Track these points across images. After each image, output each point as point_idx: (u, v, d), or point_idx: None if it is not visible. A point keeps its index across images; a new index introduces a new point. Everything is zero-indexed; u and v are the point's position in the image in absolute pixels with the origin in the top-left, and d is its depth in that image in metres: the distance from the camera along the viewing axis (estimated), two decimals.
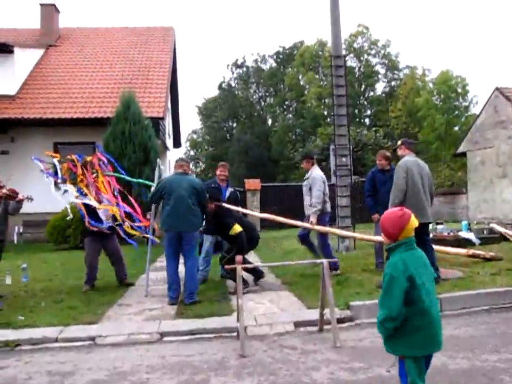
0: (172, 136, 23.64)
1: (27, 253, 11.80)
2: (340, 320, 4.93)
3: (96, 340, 4.75)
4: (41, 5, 20.28)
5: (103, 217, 7.10)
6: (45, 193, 7.88)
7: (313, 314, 5.03)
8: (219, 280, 7.40)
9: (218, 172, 7.61)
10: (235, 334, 4.68)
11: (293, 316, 5.20)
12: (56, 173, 7.11)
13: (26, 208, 10.75)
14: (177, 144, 26.07)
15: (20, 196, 6.75)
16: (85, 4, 72.92)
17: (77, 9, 71.13)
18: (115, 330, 4.95)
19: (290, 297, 6.16)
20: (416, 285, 2.49)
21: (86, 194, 7.04)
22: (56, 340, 4.75)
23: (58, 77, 17.45)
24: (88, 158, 7.22)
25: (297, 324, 4.99)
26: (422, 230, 5.54)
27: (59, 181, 7.04)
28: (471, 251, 7.69)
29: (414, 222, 2.60)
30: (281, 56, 46.24)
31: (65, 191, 7.12)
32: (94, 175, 7.18)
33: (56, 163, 7.09)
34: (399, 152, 6.41)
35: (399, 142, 6.55)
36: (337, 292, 5.73)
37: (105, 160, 7.49)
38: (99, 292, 6.83)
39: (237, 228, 6.39)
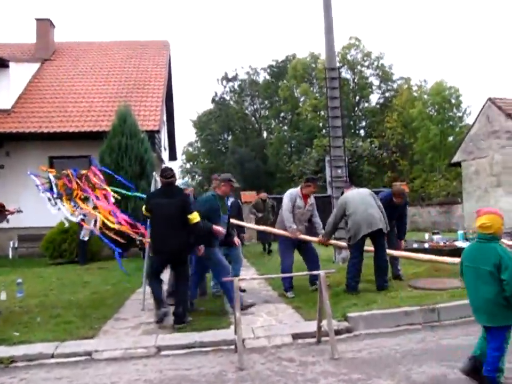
0: (167, 149, 23.69)
1: (22, 267, 11.71)
2: (338, 332, 4.91)
3: (93, 354, 4.70)
4: (37, 19, 20.39)
5: (83, 232, 7.15)
6: (40, 207, 7.86)
7: (311, 326, 5.00)
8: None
9: (213, 185, 7.58)
10: (233, 347, 4.65)
11: (290, 328, 5.17)
12: (51, 188, 7.07)
13: (22, 222, 10.72)
14: (173, 157, 26.11)
15: (11, 209, 6.74)
16: (80, 18, 73.41)
17: (72, 24, 71.60)
18: (112, 344, 4.90)
19: (287, 309, 6.13)
20: None
21: (82, 208, 7.02)
22: (52, 356, 4.69)
23: (53, 91, 17.49)
24: (83, 172, 7.20)
25: (295, 336, 4.95)
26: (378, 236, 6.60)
27: (55, 196, 7.00)
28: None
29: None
30: (274, 69, 46.56)
31: (59, 208, 7.06)
32: (90, 187, 7.16)
33: (52, 178, 7.06)
34: (345, 191, 7.32)
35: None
36: (335, 303, 5.71)
37: (100, 175, 7.46)
38: (95, 306, 6.77)
39: (196, 217, 5.69)
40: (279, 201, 7.97)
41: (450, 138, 32.14)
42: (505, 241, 10.44)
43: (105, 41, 22.83)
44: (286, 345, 4.79)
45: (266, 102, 47.07)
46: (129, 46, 21.68)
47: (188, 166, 50.51)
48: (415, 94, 37.37)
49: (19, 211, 6.91)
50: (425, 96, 35.02)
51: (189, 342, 4.88)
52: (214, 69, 75.32)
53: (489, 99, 17.56)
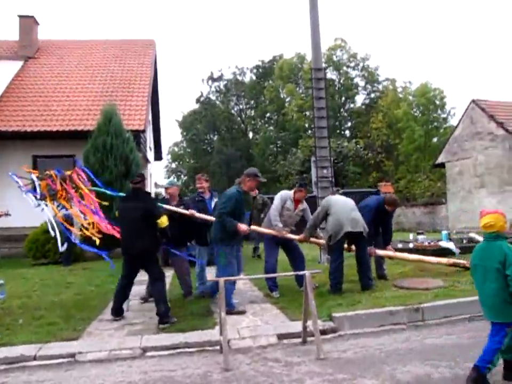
0: (153, 149, 23.55)
1: (5, 268, 11.54)
2: (323, 332, 4.92)
3: (77, 356, 4.64)
4: (20, 16, 20.06)
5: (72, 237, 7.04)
6: (23, 207, 7.73)
7: (297, 326, 5.01)
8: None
9: (197, 185, 7.54)
10: (218, 347, 4.63)
11: (276, 328, 5.17)
12: (35, 189, 6.95)
13: (4, 222, 10.54)
14: (158, 157, 25.97)
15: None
16: (64, 16, 72.62)
17: (57, 21, 70.80)
18: (96, 346, 4.85)
19: (273, 310, 6.13)
20: None
21: (66, 209, 6.93)
22: (34, 358, 4.62)
23: (37, 89, 17.27)
24: (68, 173, 7.10)
25: (281, 336, 4.96)
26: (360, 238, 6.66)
27: (38, 197, 6.88)
28: (452, 260, 7.78)
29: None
30: (261, 69, 46.52)
31: (43, 209, 6.95)
32: (74, 190, 7.05)
33: (35, 179, 6.93)
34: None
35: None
36: (320, 304, 5.71)
37: (84, 176, 7.35)
38: (79, 307, 6.69)
39: (164, 221, 5.94)
40: (271, 201, 7.91)
41: (435, 139, 32.46)
42: None
43: (90, 39, 22.59)
44: (271, 345, 4.78)
45: (252, 102, 47.00)
46: (114, 44, 21.49)
47: (174, 165, 50.26)
48: (400, 95, 37.67)
49: (7, 214, 6.81)
50: (410, 98, 35.32)
51: (174, 342, 4.85)
52: (200, 68, 75.17)
53: (473, 101, 17.80)
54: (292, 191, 7.32)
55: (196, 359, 4.51)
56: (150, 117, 20.69)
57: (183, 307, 6.39)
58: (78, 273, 10.61)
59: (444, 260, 7.77)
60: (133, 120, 15.64)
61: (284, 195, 7.23)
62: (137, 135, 15.25)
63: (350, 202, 6.95)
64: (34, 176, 6.92)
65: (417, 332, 5.04)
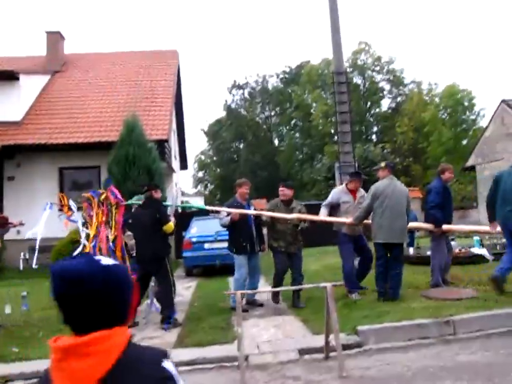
0: (178, 158, 23.63)
1: (31, 279, 11.64)
2: (347, 346, 4.66)
3: None
4: (47, 32, 20.57)
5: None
6: (50, 218, 7.68)
7: (319, 341, 4.77)
8: (222, 305, 7.13)
9: (243, 190, 7.20)
10: (237, 363, 4.44)
11: (297, 343, 4.94)
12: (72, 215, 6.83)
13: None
14: (184, 166, 26.04)
15: (14, 222, 6.66)
16: (89, 30, 74.32)
17: (82, 35, 72.46)
18: None
19: (295, 322, 5.91)
20: None
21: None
22: None
23: (63, 102, 17.55)
24: (103, 196, 6.81)
25: (302, 352, 4.73)
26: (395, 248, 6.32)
27: (80, 223, 6.74)
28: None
29: None
30: (287, 76, 46.39)
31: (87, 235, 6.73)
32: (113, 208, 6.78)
33: (72, 204, 6.82)
34: (381, 174, 6.64)
35: (383, 164, 6.83)
36: (345, 316, 5.46)
37: (117, 192, 7.07)
38: None
39: (170, 227, 6.22)
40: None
41: (464, 142, 31.64)
42: None
43: (114, 52, 22.92)
44: (292, 361, 4.56)
45: (277, 109, 46.89)
46: (137, 56, 21.73)
47: (200, 174, 50.50)
48: (426, 97, 36.93)
49: (21, 224, 6.82)
50: (437, 100, 34.57)
51: (192, 358, 4.69)
52: (225, 77, 75.66)
53: (503, 101, 17.22)
54: (344, 185, 7.28)
55: (214, 375, 4.35)
56: (174, 126, 20.76)
57: (202, 319, 6.24)
58: None
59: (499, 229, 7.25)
60: (157, 130, 15.69)
61: (333, 193, 7.23)
62: (161, 144, 15.28)
63: (400, 201, 6.38)
64: (72, 202, 6.82)
65: (448, 347, 4.68)
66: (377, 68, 41.36)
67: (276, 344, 4.99)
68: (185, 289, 9.46)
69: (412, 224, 6.78)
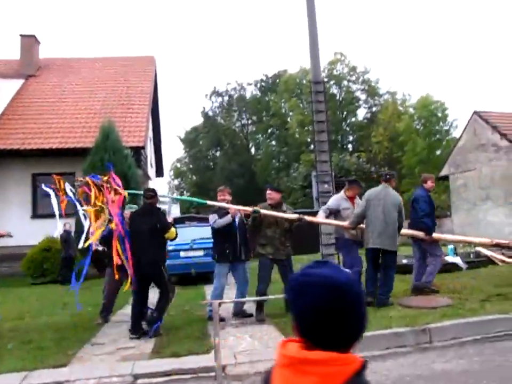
0: (154, 166, 23.43)
1: (2, 288, 11.32)
2: None
3: None
4: (22, 35, 20.19)
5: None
6: (21, 225, 7.52)
7: None
8: (199, 315, 7.04)
9: (219, 198, 7.05)
10: (213, 374, 4.37)
11: (275, 352, 4.88)
12: (70, 200, 6.64)
13: (2, 241, 10.37)
14: (160, 173, 25.83)
15: (1, 232, 6.47)
16: (66, 35, 73.38)
17: (58, 40, 71.46)
18: (85, 373, 4.60)
19: (273, 332, 5.86)
20: None
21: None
22: None
23: (37, 107, 17.23)
24: (104, 178, 6.65)
25: None
26: (383, 256, 6.51)
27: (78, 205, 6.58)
28: (496, 241, 7.57)
29: None
30: (264, 84, 46.56)
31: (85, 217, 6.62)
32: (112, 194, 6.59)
33: (68, 188, 6.62)
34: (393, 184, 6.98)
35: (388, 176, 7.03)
36: None
37: (118, 181, 6.89)
38: (72, 330, 6.44)
39: (172, 233, 6.23)
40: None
41: (438, 152, 32.23)
42: (492, 253, 10.35)
43: (90, 57, 22.63)
44: None
45: (254, 117, 46.99)
46: (114, 62, 21.52)
47: (176, 182, 50.14)
48: (400, 107, 37.55)
49: (9, 235, 6.63)
50: (411, 110, 35.19)
51: (167, 369, 4.60)
52: (202, 85, 75.51)
53: (475, 112, 17.61)
54: (342, 192, 7.38)
55: None
56: (150, 134, 20.60)
57: (179, 329, 6.15)
58: (75, 293, 10.34)
59: (487, 241, 7.64)
60: (133, 137, 15.54)
61: (333, 200, 7.37)
62: (137, 151, 15.14)
63: (389, 210, 6.52)
64: (68, 185, 6.63)
65: (425, 355, 4.73)
66: (353, 78, 41.91)
67: (253, 354, 4.93)
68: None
69: (404, 231, 6.89)
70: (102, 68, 20.87)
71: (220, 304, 4.78)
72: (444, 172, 19.57)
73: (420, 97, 33.27)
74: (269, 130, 45.64)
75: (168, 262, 10.96)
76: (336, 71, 41.45)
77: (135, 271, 6.04)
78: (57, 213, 6.66)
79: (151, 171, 21.62)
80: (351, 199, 7.22)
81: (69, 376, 4.53)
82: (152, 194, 6.34)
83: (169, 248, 11.23)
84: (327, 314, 1.05)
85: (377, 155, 34.09)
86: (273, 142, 44.95)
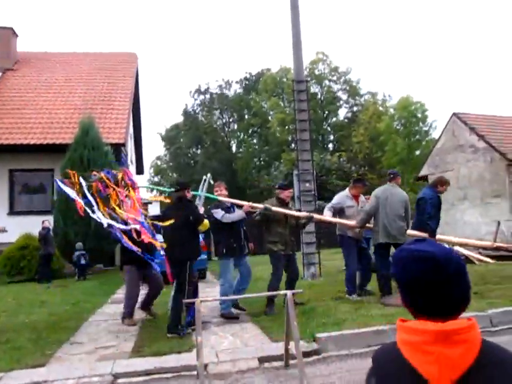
0: (134, 163, 23.22)
1: None
2: (307, 354, 4.66)
3: None
4: None
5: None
6: None
7: (279, 348, 4.74)
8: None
9: (215, 192, 7.04)
10: (195, 372, 4.34)
11: (257, 351, 4.89)
12: (84, 195, 6.33)
13: None
14: (140, 170, 25.61)
15: None
16: (45, 28, 72.13)
17: (37, 33, 70.23)
18: (63, 373, 4.52)
19: (254, 330, 5.85)
20: None
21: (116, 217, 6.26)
22: None
23: (15, 102, 16.90)
24: (120, 175, 6.55)
25: (262, 360, 4.68)
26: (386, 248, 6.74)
27: (94, 205, 6.24)
28: (496, 244, 7.70)
29: None
30: (247, 82, 46.48)
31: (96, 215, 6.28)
32: (126, 191, 6.49)
33: (83, 183, 6.38)
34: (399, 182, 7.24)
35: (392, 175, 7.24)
36: (303, 323, 5.47)
37: (131, 176, 6.85)
38: (50, 329, 6.34)
39: (206, 224, 6.07)
40: None
41: (418, 152, 32.63)
42: (469, 253, 10.53)
43: (71, 52, 22.26)
44: (251, 369, 4.50)
45: (236, 115, 46.87)
46: (95, 57, 21.21)
47: (156, 179, 49.74)
48: (381, 108, 37.91)
49: (4, 231, 6.41)
50: (392, 111, 35.54)
51: (148, 368, 4.54)
52: (185, 82, 75.00)
53: (454, 114, 17.87)
54: (347, 190, 7.57)
55: None
56: (131, 131, 20.40)
57: (159, 327, 6.10)
58: (53, 291, 10.22)
59: (488, 243, 7.80)
60: (113, 134, 15.37)
61: (338, 197, 7.53)
62: (118, 148, 14.98)
63: (396, 207, 6.74)
64: (82, 180, 6.42)
65: None
66: (334, 78, 42.12)
67: (235, 352, 4.92)
68: (140, 296, 9.22)
69: (408, 232, 7.04)
70: (82, 63, 20.55)
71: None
72: (423, 172, 19.82)
73: (400, 98, 33.59)
74: (251, 129, 45.60)
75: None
76: (318, 70, 41.60)
77: (171, 265, 5.97)
78: (95, 205, 6.26)
79: (132, 168, 21.40)
80: (355, 197, 7.44)
81: (47, 376, 4.45)
82: (178, 188, 6.25)
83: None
84: (430, 285, 1.16)
85: (358, 155, 34.35)
86: (255, 141, 44.93)
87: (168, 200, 6.68)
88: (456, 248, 11.08)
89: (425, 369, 1.11)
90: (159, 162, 49.37)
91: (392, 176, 7.13)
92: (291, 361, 4.48)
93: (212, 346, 5.09)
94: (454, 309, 1.17)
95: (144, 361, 4.75)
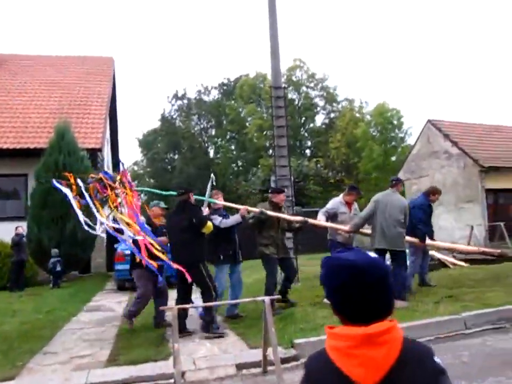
0: (111, 168, 22.94)
1: None
2: (285, 360, 4.65)
3: None
4: None
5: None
6: None
7: (257, 355, 4.72)
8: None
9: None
10: (172, 380, 4.29)
11: (235, 358, 4.86)
12: (81, 195, 6.22)
13: None
14: None
15: None
16: (20, 31, 70.93)
17: (11, 36, 69.04)
18: None
19: (232, 337, 5.82)
20: None
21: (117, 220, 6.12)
22: None
23: None
24: (118, 177, 6.45)
25: (240, 366, 4.65)
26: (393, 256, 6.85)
27: (92, 206, 6.10)
28: (482, 249, 7.99)
29: None
30: (225, 88, 46.47)
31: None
32: (124, 194, 6.36)
33: (81, 183, 6.27)
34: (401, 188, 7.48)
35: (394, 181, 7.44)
36: (281, 329, 5.47)
37: (130, 179, 6.76)
38: (22, 338, 6.18)
39: (210, 226, 6.04)
40: None
41: (393, 158, 33.08)
42: (443, 257, 10.69)
43: (46, 55, 21.91)
44: (229, 376, 4.48)
45: (213, 121, 46.80)
46: (71, 61, 20.94)
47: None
48: (357, 114, 38.35)
49: None
50: (368, 117, 35.98)
51: (124, 377, 4.47)
52: (163, 87, 74.60)
53: (429, 121, 18.22)
54: (341, 196, 7.67)
55: None
56: (108, 136, 20.17)
57: (135, 335, 6.01)
58: (26, 299, 9.98)
59: (474, 249, 7.99)
60: (90, 138, 15.16)
61: (332, 203, 7.61)
62: (94, 153, 14.77)
63: (395, 212, 6.82)
64: (80, 181, 6.28)
65: None
66: (312, 84, 42.47)
67: (212, 359, 4.87)
68: (116, 304, 9.11)
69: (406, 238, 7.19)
70: (58, 66, 20.25)
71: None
72: None
73: (376, 105, 34.04)
74: (228, 135, 45.58)
75: (125, 266, 10.74)
76: (295, 77, 41.89)
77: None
78: (94, 209, 6.11)
79: None
80: (349, 204, 7.53)
81: None
82: (181, 192, 6.31)
83: (126, 252, 10.97)
84: (353, 292, 1.21)
85: (335, 161, 34.63)
86: (232, 146, 44.92)
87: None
88: (432, 252, 11.22)
89: (352, 372, 1.16)
90: (135, 168, 48.93)
91: (394, 182, 7.32)
92: (269, 368, 4.47)
93: (189, 354, 5.04)
94: (378, 315, 1.22)
95: (120, 370, 4.67)
